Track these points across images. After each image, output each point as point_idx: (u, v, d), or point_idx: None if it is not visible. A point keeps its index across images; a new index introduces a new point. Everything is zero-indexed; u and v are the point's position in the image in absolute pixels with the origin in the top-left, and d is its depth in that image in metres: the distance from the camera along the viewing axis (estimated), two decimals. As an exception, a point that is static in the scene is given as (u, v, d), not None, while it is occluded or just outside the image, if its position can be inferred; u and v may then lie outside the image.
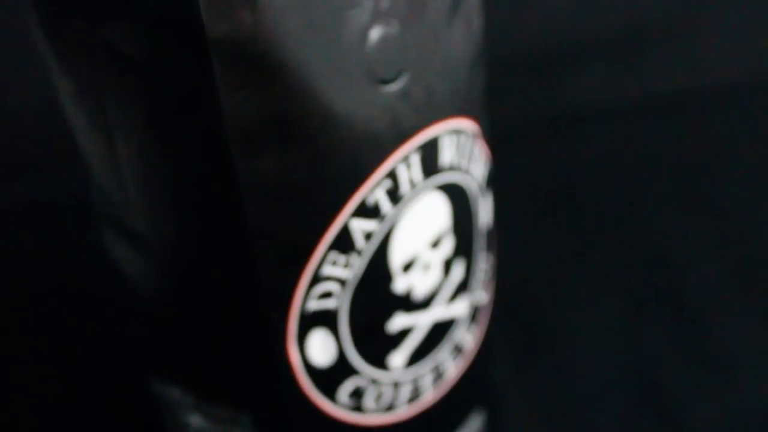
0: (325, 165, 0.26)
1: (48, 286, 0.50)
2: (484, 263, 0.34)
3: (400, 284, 0.30)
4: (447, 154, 0.29)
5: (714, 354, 0.45)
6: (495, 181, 0.34)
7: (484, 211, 0.33)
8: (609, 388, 0.44)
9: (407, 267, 0.30)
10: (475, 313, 0.34)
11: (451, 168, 0.30)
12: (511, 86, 0.61)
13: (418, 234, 0.30)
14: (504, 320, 0.44)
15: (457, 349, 0.34)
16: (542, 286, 0.50)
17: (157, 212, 0.27)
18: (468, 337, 0.34)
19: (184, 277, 0.28)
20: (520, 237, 0.52)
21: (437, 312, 0.32)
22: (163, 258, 0.28)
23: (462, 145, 0.30)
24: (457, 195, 0.31)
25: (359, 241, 0.28)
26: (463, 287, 0.33)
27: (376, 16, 0.25)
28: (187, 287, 0.28)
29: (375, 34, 0.25)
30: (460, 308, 0.33)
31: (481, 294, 0.34)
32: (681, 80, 0.62)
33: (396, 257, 0.29)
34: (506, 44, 0.61)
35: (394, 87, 0.27)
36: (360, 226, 0.28)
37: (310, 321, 0.28)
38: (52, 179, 0.57)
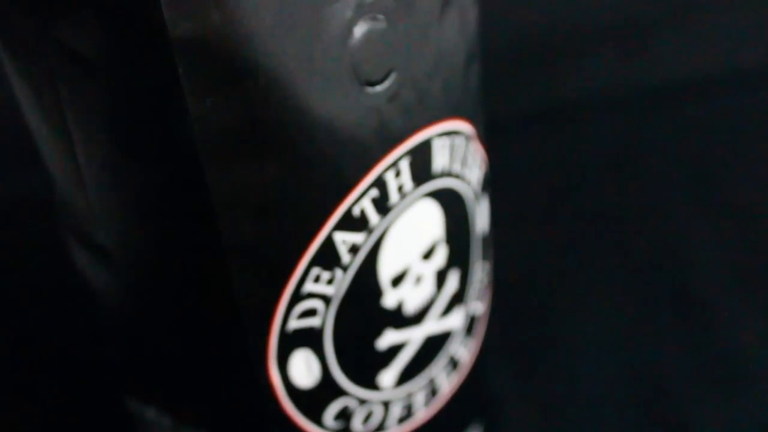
0: (306, 175, 0.24)
1: (42, 281, 0.48)
2: (479, 272, 0.32)
3: (389, 299, 0.28)
4: (440, 159, 0.27)
5: (724, 361, 0.43)
6: (491, 183, 0.32)
7: (480, 218, 0.31)
8: (614, 396, 0.42)
9: (397, 280, 0.28)
10: (470, 325, 0.32)
11: (445, 173, 0.28)
12: (509, 76, 0.59)
13: (409, 245, 0.28)
14: (503, 325, 0.42)
15: (452, 364, 0.32)
16: (543, 288, 0.47)
17: (123, 226, 0.25)
18: (463, 351, 0.32)
19: (153, 295, 0.26)
20: (520, 236, 0.49)
21: (430, 326, 0.30)
22: (130, 274, 0.26)
23: (456, 149, 0.28)
24: (450, 202, 0.29)
25: (344, 255, 0.26)
26: (458, 299, 0.31)
27: (361, 11, 0.23)
28: (157, 305, 0.26)
29: (359, 30, 0.23)
30: (454, 321, 0.31)
31: (476, 305, 0.32)
32: (689, 69, 0.59)
33: (385, 271, 0.27)
34: (503, 32, 0.58)
35: (381, 88, 0.24)
36: (345, 240, 0.25)
37: (292, 340, 0.26)
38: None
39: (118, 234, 0.25)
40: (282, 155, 0.23)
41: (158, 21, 0.20)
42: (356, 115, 0.24)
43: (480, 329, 0.33)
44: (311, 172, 0.24)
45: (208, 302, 0.25)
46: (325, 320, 0.26)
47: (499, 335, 0.39)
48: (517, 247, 0.49)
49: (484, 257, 0.32)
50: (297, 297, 0.25)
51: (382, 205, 0.26)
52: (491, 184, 0.32)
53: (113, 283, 0.26)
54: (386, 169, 0.25)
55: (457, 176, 0.28)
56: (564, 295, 0.47)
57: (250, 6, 0.21)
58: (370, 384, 0.29)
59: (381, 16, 0.24)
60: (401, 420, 0.31)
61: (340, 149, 0.24)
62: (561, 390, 0.42)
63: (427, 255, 0.28)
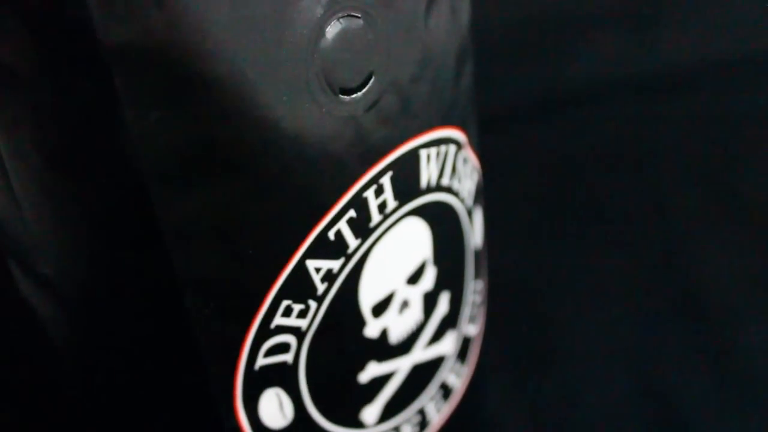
0: (271, 198, 0.21)
1: None
2: (473, 292, 0.29)
3: (371, 329, 0.25)
4: (427, 173, 0.24)
5: (741, 377, 0.40)
6: (485, 194, 0.29)
7: (474, 233, 0.28)
8: (618, 414, 0.39)
9: (380, 308, 0.25)
10: (464, 349, 0.29)
11: (433, 188, 0.25)
12: (508, 63, 0.56)
13: (393, 269, 0.25)
14: (502, 333, 0.39)
15: (444, 392, 0.29)
16: (541, 294, 0.44)
17: (64, 254, 0.22)
18: (456, 377, 0.29)
19: (103, 330, 0.23)
20: (516, 238, 0.46)
21: (418, 355, 0.27)
22: (76, 306, 0.23)
23: (446, 160, 0.25)
24: (440, 219, 0.25)
25: (318, 284, 0.23)
26: (449, 323, 0.28)
27: (333, 8, 0.20)
28: (108, 341, 0.23)
29: (332, 30, 0.20)
30: (446, 346, 0.28)
31: (470, 327, 0.29)
32: (698, 56, 0.56)
33: (366, 298, 0.24)
34: (501, 15, 0.55)
35: (358, 96, 0.21)
36: (319, 267, 0.22)
37: (261, 379, 0.23)
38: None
39: (60, 263, 0.22)
40: (242, 176, 0.20)
41: (87, 26, 0.17)
42: (329, 128, 0.21)
43: (474, 352, 0.30)
44: (277, 195, 0.21)
45: (164, 339, 0.22)
46: (297, 355, 0.23)
47: (496, 353, 0.36)
48: (514, 249, 0.46)
49: (478, 275, 0.29)
50: (265, 332, 0.22)
51: (361, 226, 0.23)
52: (484, 196, 0.29)
53: (60, 315, 0.23)
54: (366, 187, 0.22)
55: (447, 190, 0.25)
56: (564, 302, 0.44)
57: (200, 4, 0.18)
58: (352, 422, 0.26)
59: (357, 14, 0.21)
60: (387, 457, 0.28)
61: (311, 167, 0.21)
62: (561, 408, 0.39)
63: (414, 278, 0.25)
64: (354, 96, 0.21)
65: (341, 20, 0.20)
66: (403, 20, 0.22)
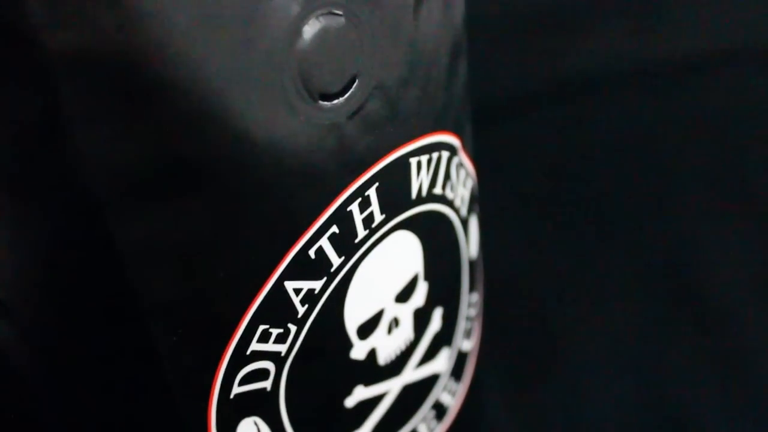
0: (243, 216, 0.19)
1: None
2: (468, 305, 0.27)
3: (358, 351, 0.23)
4: (418, 182, 0.22)
5: (753, 386, 0.38)
6: (480, 201, 0.27)
7: (469, 243, 0.26)
8: (623, 424, 0.37)
9: (367, 328, 0.23)
10: (459, 366, 0.27)
11: (425, 198, 0.23)
12: (509, 49, 0.54)
13: (381, 286, 0.23)
14: (499, 342, 0.37)
15: (438, 412, 0.27)
16: (542, 294, 0.42)
17: (19, 278, 0.20)
18: (450, 395, 0.27)
19: (64, 358, 0.21)
20: (516, 235, 0.44)
21: (410, 375, 0.25)
22: (34, 333, 0.21)
23: (438, 168, 0.23)
24: (432, 231, 0.24)
25: (298, 306, 0.21)
26: (443, 340, 0.26)
27: (311, 6, 0.18)
28: (71, 370, 0.21)
29: (310, 29, 0.18)
30: (439, 364, 0.26)
31: (465, 342, 0.27)
32: (700, 44, 0.54)
33: (352, 319, 0.22)
34: (493, 6, 0.53)
35: (340, 101, 0.19)
36: (298, 288, 0.20)
37: (237, 408, 0.21)
38: None
39: (15, 287, 0.20)
40: (210, 193, 0.18)
41: (28, 30, 0.15)
42: (308, 137, 0.19)
43: (470, 368, 0.28)
44: (251, 212, 0.19)
45: (130, 367, 0.20)
46: (277, 382, 0.21)
47: (493, 364, 0.34)
48: (510, 251, 0.44)
49: (474, 287, 0.27)
50: (240, 359, 0.20)
51: (345, 243, 0.21)
52: (479, 203, 0.27)
53: (17, 342, 0.21)
54: (350, 200, 0.20)
55: (440, 200, 0.23)
56: (564, 306, 0.42)
57: (158, 4, 0.16)
58: (337, 449, 0.24)
59: (338, 11, 0.18)
60: (376, 483, 0.26)
61: (288, 181, 0.19)
62: (563, 421, 0.37)
63: (404, 295, 0.24)
64: (335, 102, 0.19)
65: (320, 18, 0.18)
66: (390, 16, 0.20)
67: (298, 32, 0.18)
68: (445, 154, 0.23)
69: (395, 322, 0.24)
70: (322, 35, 0.18)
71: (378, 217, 0.21)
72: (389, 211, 0.22)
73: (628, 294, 0.42)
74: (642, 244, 0.44)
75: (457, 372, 0.27)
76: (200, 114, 0.17)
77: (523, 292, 0.43)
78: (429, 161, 0.22)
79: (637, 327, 0.41)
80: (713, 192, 0.46)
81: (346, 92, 0.19)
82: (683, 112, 0.51)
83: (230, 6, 0.17)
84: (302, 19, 0.18)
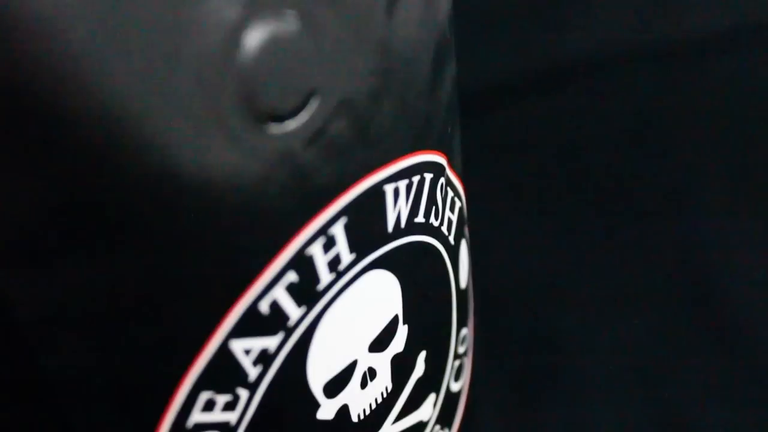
0: (173, 268, 0.15)
1: None
2: (457, 343, 0.23)
3: (325, 411, 0.19)
4: (395, 213, 0.19)
5: (765, 396, 0.35)
6: (469, 225, 0.23)
7: (459, 272, 0.22)
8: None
9: (336, 385, 0.19)
10: (447, 409, 0.24)
11: (404, 230, 0.19)
12: (503, 33, 0.50)
13: (352, 337, 0.19)
14: (499, 347, 0.34)
15: (423, 463, 0.23)
16: (544, 299, 0.39)
17: None
18: (437, 443, 0.24)
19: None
20: (515, 232, 0.41)
21: (389, 430, 0.21)
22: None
23: (421, 193, 0.19)
24: (413, 267, 0.20)
25: (249, 368, 0.17)
26: (428, 386, 0.22)
27: (255, 7, 0.14)
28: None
29: (254, 37, 0.14)
30: (424, 413, 0.23)
31: (454, 384, 0.24)
32: (715, 19, 0.50)
33: (316, 377, 0.19)
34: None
35: (294, 124, 0.16)
36: (248, 348, 0.17)
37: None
38: None
39: None
40: (131, 245, 0.14)
41: None
42: (255, 170, 0.15)
43: (459, 411, 0.25)
44: (182, 264, 0.15)
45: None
46: (227, 454, 0.18)
47: (488, 390, 0.31)
48: (508, 250, 0.41)
49: (464, 321, 0.24)
50: (180, 432, 0.17)
51: (305, 291, 0.17)
52: (468, 228, 0.23)
53: None
54: (310, 241, 0.17)
55: (423, 229, 0.20)
56: (567, 312, 0.38)
57: (47, 10, 0.12)
58: None
59: (291, 11, 0.15)
60: None
61: (228, 223, 0.15)
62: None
63: (381, 343, 0.20)
64: (288, 125, 0.15)
65: (267, 23, 0.14)
66: (357, 17, 0.16)
67: (237, 42, 0.14)
68: (429, 177, 0.19)
69: (370, 373, 0.20)
70: (269, 44, 0.15)
71: (346, 258, 0.18)
72: (360, 249, 0.18)
73: (636, 299, 0.39)
74: (652, 241, 0.41)
75: (446, 417, 0.24)
76: (111, 149, 0.13)
77: (519, 299, 0.39)
78: (409, 187, 0.19)
79: (647, 336, 0.37)
80: (731, 183, 0.43)
81: (302, 113, 0.16)
82: (695, 92, 0.47)
83: (147, 10, 0.13)
84: (243, 24, 0.14)
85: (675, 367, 0.37)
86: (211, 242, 0.15)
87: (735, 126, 0.46)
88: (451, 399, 0.24)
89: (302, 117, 0.16)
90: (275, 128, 0.15)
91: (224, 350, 0.16)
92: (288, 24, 0.15)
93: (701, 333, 0.37)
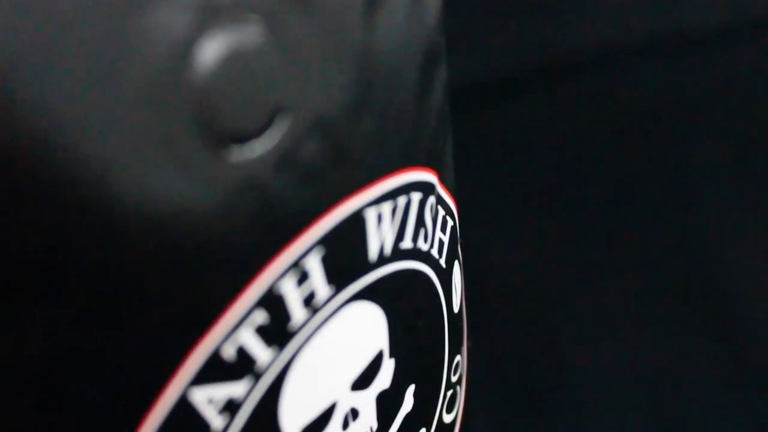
0: (117, 312, 0.13)
1: None
2: (449, 372, 0.21)
3: (302, 457, 0.17)
4: (379, 239, 0.17)
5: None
6: (462, 244, 0.21)
7: (452, 296, 0.20)
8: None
9: (314, 429, 0.17)
10: (439, 443, 0.22)
11: (389, 257, 0.17)
12: (499, 23, 0.48)
13: (331, 377, 0.17)
14: (493, 361, 0.32)
15: (412, 501, 0.22)
16: (544, 307, 0.37)
17: None
18: (429, 480, 0.22)
19: None
20: (514, 235, 0.39)
21: (374, 471, 0.20)
22: None
23: (407, 216, 0.17)
24: (400, 296, 0.18)
25: (213, 419, 0.15)
26: (418, 419, 0.20)
27: (210, 15, 0.12)
28: None
29: (211, 49, 0.12)
30: (413, 449, 0.21)
31: (447, 415, 0.22)
32: (719, 15, 0.48)
33: (291, 423, 0.17)
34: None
35: (259, 148, 0.14)
36: (212, 398, 0.15)
37: None
38: None
39: None
40: (65, 285, 0.12)
41: None
42: (213, 199, 0.13)
43: (453, 443, 0.23)
44: (130, 306, 0.13)
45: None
46: None
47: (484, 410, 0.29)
48: (506, 254, 0.39)
49: (457, 348, 0.22)
50: (135, 491, 0.15)
51: (276, 331, 0.15)
52: (461, 247, 0.21)
53: None
54: (280, 276, 0.15)
55: (410, 255, 0.18)
56: (569, 322, 0.37)
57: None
58: None
59: (254, 16, 0.13)
60: None
61: (184, 258, 0.13)
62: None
63: (364, 381, 0.18)
64: (253, 148, 0.13)
65: (225, 31, 0.12)
66: (331, 22, 0.14)
67: (189, 54, 0.12)
68: (417, 197, 0.17)
69: (353, 414, 0.18)
70: (227, 56, 0.13)
71: (323, 292, 0.16)
72: (339, 281, 0.16)
73: (642, 306, 0.37)
74: (660, 244, 0.39)
75: (436, 451, 0.22)
76: (41, 182, 0.11)
77: (518, 306, 0.38)
78: (394, 210, 0.17)
79: (654, 346, 0.36)
80: (743, 182, 0.41)
81: (267, 132, 0.14)
82: (705, 86, 0.45)
83: (81, 20, 0.11)
84: (197, 33, 0.12)
85: (681, 380, 0.35)
86: (162, 281, 0.13)
87: (739, 123, 0.44)
88: (444, 431, 0.22)
89: (268, 139, 0.14)
90: (237, 152, 0.13)
91: (183, 401, 0.15)
92: (250, 32, 0.13)
93: (710, 343, 0.36)
